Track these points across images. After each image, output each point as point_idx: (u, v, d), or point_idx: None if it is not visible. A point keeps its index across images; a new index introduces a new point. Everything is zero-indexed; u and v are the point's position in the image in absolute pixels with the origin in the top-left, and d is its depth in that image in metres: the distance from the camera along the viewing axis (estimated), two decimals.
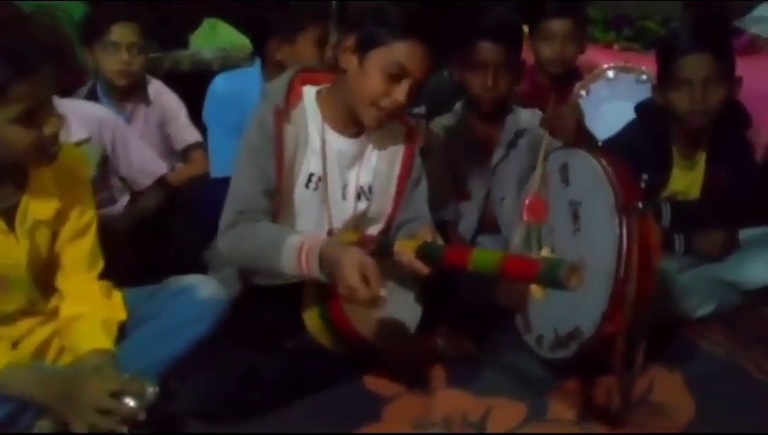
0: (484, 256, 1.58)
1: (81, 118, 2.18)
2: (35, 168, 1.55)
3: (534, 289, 1.61)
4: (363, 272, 1.54)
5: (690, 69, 2.08)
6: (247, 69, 2.49)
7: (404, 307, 1.77)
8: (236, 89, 2.36)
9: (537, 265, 1.49)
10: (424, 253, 1.63)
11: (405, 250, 1.64)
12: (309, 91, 1.84)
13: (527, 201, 1.89)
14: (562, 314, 1.80)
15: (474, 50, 2.18)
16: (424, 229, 1.76)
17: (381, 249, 1.68)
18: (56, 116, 1.49)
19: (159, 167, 2.43)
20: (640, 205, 1.66)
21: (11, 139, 1.44)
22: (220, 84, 2.42)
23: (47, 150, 1.50)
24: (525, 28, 2.70)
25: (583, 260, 1.74)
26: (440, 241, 1.73)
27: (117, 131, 2.30)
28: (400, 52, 1.68)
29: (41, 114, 1.46)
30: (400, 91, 1.70)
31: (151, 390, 1.44)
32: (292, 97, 1.80)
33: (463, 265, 1.58)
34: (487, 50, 2.17)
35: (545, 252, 1.66)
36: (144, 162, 2.38)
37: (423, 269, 1.63)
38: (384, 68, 1.68)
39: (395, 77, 1.69)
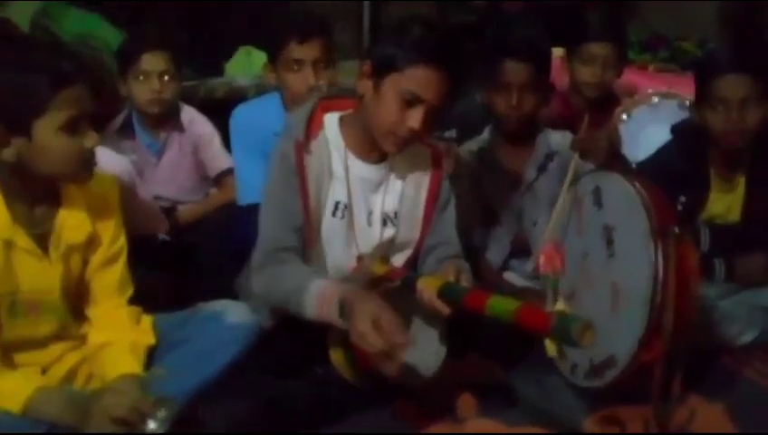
0: (501, 304, 1.57)
1: None
2: (73, 183, 1.58)
3: (548, 344, 1.57)
4: (376, 320, 1.51)
5: (727, 88, 2.04)
6: (267, 96, 2.50)
7: (428, 348, 1.74)
8: (257, 116, 2.35)
9: (550, 320, 1.47)
10: (445, 293, 1.62)
11: (427, 288, 1.64)
12: (331, 119, 1.83)
13: (542, 252, 1.86)
14: (598, 342, 1.75)
15: (499, 70, 2.17)
16: (448, 266, 1.74)
17: (406, 284, 1.68)
18: (94, 132, 1.54)
19: (161, 225, 2.39)
20: (677, 229, 1.62)
21: (56, 147, 1.49)
22: (240, 113, 2.42)
23: (87, 164, 1.55)
24: (561, 51, 2.69)
25: (619, 286, 1.70)
26: (466, 277, 1.71)
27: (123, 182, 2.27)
28: (414, 78, 1.66)
29: (83, 126, 1.51)
30: (415, 118, 1.68)
31: (162, 413, 1.43)
32: (312, 127, 1.80)
33: (479, 311, 1.58)
34: (512, 69, 2.16)
35: (560, 305, 1.62)
36: (145, 218, 2.32)
37: (444, 310, 1.63)
38: (398, 94, 1.68)
39: (409, 103, 1.68)
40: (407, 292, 1.69)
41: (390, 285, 1.75)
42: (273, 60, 2.28)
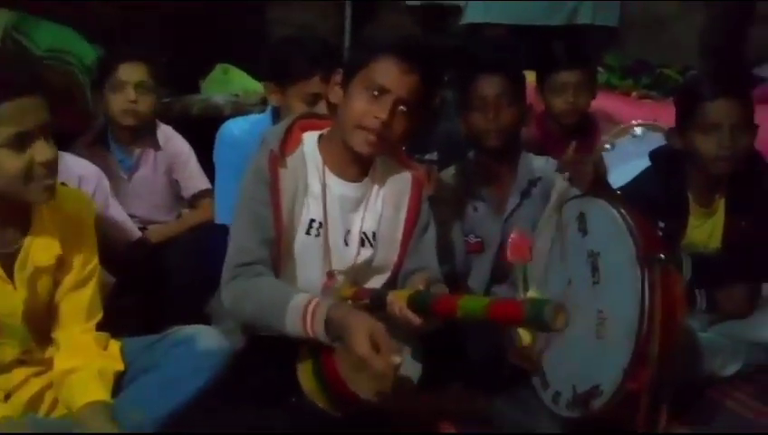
0: (472, 302, 1.55)
1: (61, 171, 2.12)
2: (32, 203, 1.52)
3: (523, 334, 1.54)
4: (373, 339, 1.48)
5: (719, 114, 2.04)
6: (258, 115, 2.45)
7: (403, 364, 1.69)
8: (245, 134, 2.32)
9: (522, 308, 1.45)
10: (415, 302, 1.59)
11: (397, 300, 1.60)
12: (309, 137, 1.82)
13: (510, 240, 1.84)
14: (581, 371, 1.73)
15: (474, 86, 2.19)
16: (418, 278, 1.71)
17: (375, 301, 1.64)
18: (50, 146, 1.47)
19: (133, 233, 2.37)
20: (662, 256, 1.60)
21: (1, 164, 1.42)
22: (229, 129, 2.38)
23: (41, 181, 1.47)
24: (533, 76, 2.68)
25: (604, 313, 1.67)
26: (441, 289, 1.68)
27: (98, 189, 2.22)
28: (379, 70, 1.69)
29: (31, 140, 1.44)
30: (382, 109, 1.68)
31: None
32: (289, 143, 1.78)
33: (452, 313, 1.54)
34: (486, 82, 2.18)
35: (533, 293, 1.59)
36: (118, 225, 2.30)
37: (414, 320, 1.58)
38: (364, 88, 1.70)
39: (376, 96, 1.69)
40: (376, 311, 1.64)
41: (359, 305, 1.69)
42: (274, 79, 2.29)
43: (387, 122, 1.68)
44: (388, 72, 1.68)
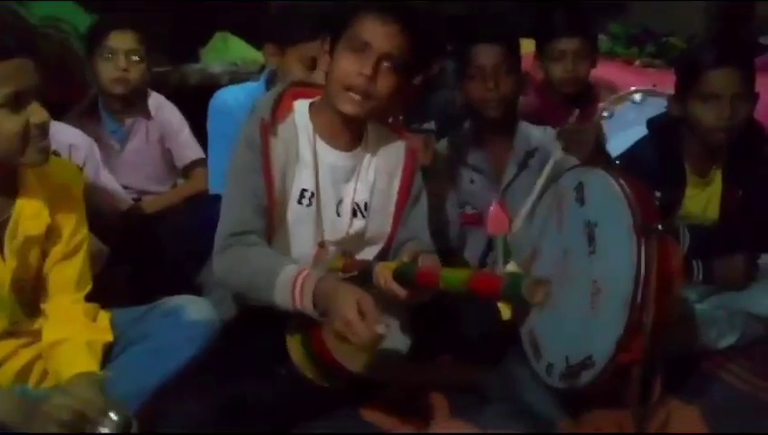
0: (452, 275, 1.55)
1: (52, 140, 2.10)
2: (26, 166, 1.50)
3: (502, 308, 1.53)
4: (360, 307, 1.47)
5: (720, 83, 2.01)
6: (251, 83, 2.43)
7: (391, 339, 1.68)
8: (238, 103, 2.30)
9: (500, 282, 1.45)
10: (401, 275, 1.58)
11: (383, 272, 1.60)
12: (301, 105, 1.79)
13: (489, 212, 1.82)
14: (575, 342, 1.71)
15: (472, 56, 2.17)
16: (406, 250, 1.70)
17: (364, 273, 1.63)
18: (44, 109, 1.46)
19: (123, 202, 2.36)
20: (660, 226, 1.58)
21: None
22: (222, 98, 2.36)
23: (36, 142, 1.47)
24: (532, 45, 2.65)
25: (599, 284, 1.66)
26: (431, 260, 1.67)
27: (89, 158, 2.21)
28: (361, 26, 1.67)
29: (25, 101, 1.44)
30: (364, 64, 1.66)
31: (114, 418, 1.37)
32: (280, 111, 1.76)
33: (434, 285, 1.55)
34: (483, 52, 2.16)
35: (512, 267, 1.57)
36: (109, 194, 2.29)
37: (400, 292, 1.58)
38: (348, 47, 1.68)
39: (359, 53, 1.66)
40: (365, 282, 1.63)
41: (348, 276, 1.69)
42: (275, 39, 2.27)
43: (371, 78, 1.65)
44: (370, 28, 1.66)
